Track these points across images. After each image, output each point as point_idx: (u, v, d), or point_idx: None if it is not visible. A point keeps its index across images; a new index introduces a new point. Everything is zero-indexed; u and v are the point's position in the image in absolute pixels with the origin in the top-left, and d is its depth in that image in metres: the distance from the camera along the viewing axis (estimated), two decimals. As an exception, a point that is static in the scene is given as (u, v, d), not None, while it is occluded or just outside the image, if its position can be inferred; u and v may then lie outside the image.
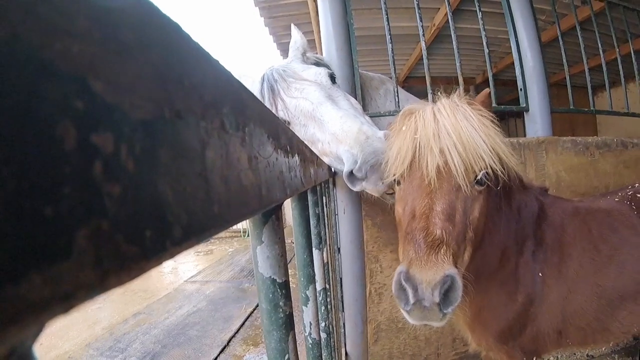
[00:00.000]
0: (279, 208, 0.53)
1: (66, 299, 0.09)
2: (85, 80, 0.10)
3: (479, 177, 0.94)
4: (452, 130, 0.93)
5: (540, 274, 1.21)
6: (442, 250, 0.84)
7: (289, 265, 0.57)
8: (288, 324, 0.55)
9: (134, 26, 0.14)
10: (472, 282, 1.19)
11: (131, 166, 0.12)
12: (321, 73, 1.50)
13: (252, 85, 1.56)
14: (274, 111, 1.41)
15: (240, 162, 0.26)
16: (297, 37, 1.71)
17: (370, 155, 1.20)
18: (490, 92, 1.08)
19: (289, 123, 1.43)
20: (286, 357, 0.55)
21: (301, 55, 1.66)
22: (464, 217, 0.92)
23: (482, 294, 1.20)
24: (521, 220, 1.21)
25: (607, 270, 1.23)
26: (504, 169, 0.98)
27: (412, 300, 0.81)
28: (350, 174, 1.24)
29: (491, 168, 0.93)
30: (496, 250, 1.17)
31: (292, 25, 1.79)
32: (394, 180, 1.04)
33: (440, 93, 1.09)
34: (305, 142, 1.39)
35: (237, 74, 1.64)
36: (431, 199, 0.90)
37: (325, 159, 1.37)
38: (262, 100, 1.52)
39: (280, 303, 0.54)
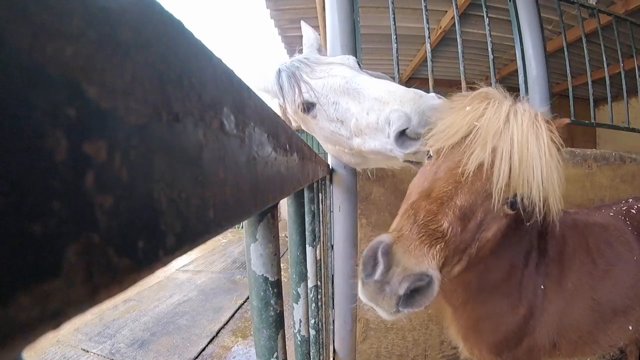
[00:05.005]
0: (275, 206, 0.53)
1: (55, 317, 0.09)
2: (79, 86, 0.10)
3: (515, 199, 0.83)
4: (518, 140, 0.82)
5: (542, 287, 1.19)
6: (438, 246, 0.72)
7: (281, 259, 0.57)
8: (278, 322, 0.55)
9: (134, 24, 0.13)
10: (473, 291, 1.13)
11: (125, 175, 0.12)
12: (349, 58, 1.38)
13: (265, 77, 1.44)
14: (295, 96, 1.30)
15: (238, 164, 0.25)
16: (309, 34, 1.60)
17: (430, 110, 1.03)
18: (568, 123, 0.96)
19: (313, 105, 1.29)
20: (275, 355, 0.55)
21: (316, 51, 1.55)
22: (477, 230, 0.81)
23: (481, 304, 1.18)
24: (529, 231, 1.17)
25: (603, 284, 1.24)
26: (543, 208, 0.85)
27: (376, 277, 0.70)
28: (402, 133, 1.07)
29: (531, 200, 0.82)
30: (505, 263, 1.13)
31: (302, 23, 1.70)
32: (427, 152, 0.94)
33: (523, 97, 0.97)
34: (334, 124, 1.27)
35: (242, 65, 1.55)
36: (455, 189, 0.79)
37: (357, 141, 1.22)
38: (278, 92, 1.37)
39: (272, 301, 0.54)
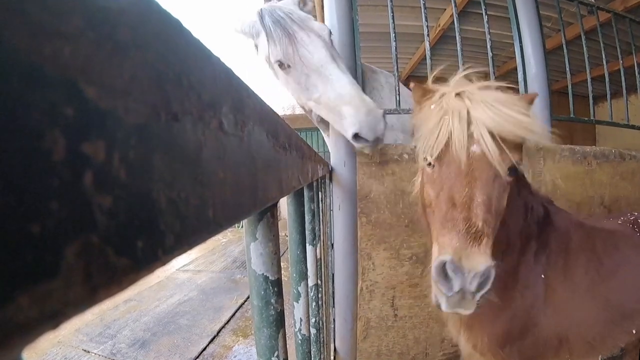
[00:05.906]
0: (274, 205, 0.53)
1: (54, 317, 0.09)
2: (77, 85, 0.10)
3: (514, 167, 0.92)
4: (483, 111, 0.90)
5: (543, 276, 1.18)
6: (484, 241, 0.85)
7: (281, 258, 0.57)
8: (279, 321, 0.55)
9: (132, 24, 0.13)
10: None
11: (123, 175, 0.12)
12: (324, 30, 1.52)
13: (244, 20, 1.55)
14: (278, 48, 1.43)
15: (237, 163, 0.25)
16: None
17: (376, 123, 1.35)
18: (536, 97, 1.05)
19: (288, 66, 1.45)
20: (275, 354, 0.55)
21: (295, 5, 1.60)
22: (498, 208, 0.92)
23: None
24: (527, 218, 1.19)
25: (610, 285, 1.21)
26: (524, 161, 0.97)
27: (456, 288, 0.83)
28: (356, 135, 1.37)
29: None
30: (501, 244, 1.12)
31: None
32: (425, 161, 1.01)
33: (473, 78, 1.06)
34: (301, 88, 1.45)
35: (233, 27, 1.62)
36: (471, 189, 0.89)
37: (316, 106, 1.47)
38: (262, 33, 1.48)
39: (272, 300, 0.54)
